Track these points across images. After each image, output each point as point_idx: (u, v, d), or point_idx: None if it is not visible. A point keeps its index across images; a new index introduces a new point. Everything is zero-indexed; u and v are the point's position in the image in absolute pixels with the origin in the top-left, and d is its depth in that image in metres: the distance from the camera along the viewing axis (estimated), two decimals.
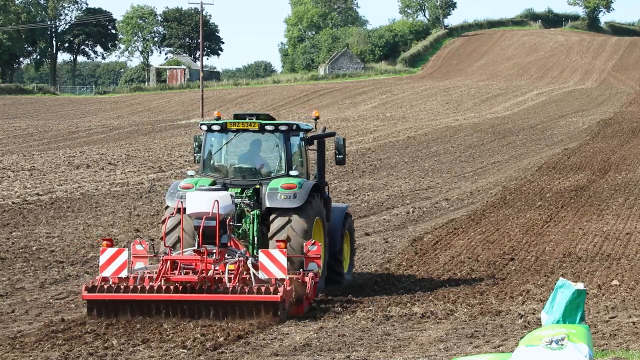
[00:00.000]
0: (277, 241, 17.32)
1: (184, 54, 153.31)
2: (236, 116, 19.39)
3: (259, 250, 17.31)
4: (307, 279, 17.32)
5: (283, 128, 18.88)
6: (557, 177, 39.55)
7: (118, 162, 45.25)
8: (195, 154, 19.76)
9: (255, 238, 18.33)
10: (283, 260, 16.72)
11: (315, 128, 20.35)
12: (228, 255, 17.16)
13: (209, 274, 16.69)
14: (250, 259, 17.08)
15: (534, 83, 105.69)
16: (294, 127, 19.09)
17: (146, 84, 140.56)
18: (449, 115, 74.93)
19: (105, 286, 16.55)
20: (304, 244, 17.89)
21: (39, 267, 21.79)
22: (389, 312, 17.23)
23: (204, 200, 17.22)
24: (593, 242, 25.18)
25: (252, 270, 16.84)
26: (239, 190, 18.63)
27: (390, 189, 37.31)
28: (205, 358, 14.18)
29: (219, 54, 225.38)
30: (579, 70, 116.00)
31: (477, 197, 34.98)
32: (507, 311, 17.29)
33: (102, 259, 17.16)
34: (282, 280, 16.61)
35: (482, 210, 31.45)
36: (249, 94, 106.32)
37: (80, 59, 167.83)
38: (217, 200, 17.11)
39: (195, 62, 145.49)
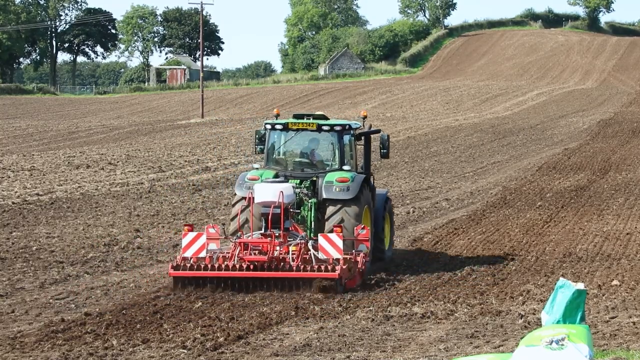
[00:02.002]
0: (335, 226, 19.82)
1: (184, 54, 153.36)
2: (295, 116, 21.84)
3: (319, 235, 19.74)
4: (358, 258, 19.74)
5: (337, 128, 21.40)
6: (557, 177, 39.54)
7: (118, 162, 45.23)
8: (255, 146, 22.24)
9: (312, 223, 20.81)
10: (340, 243, 19.29)
11: (363, 126, 22.85)
12: (289, 238, 19.80)
13: (274, 255, 19.24)
14: (310, 241, 19.76)
15: (534, 83, 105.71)
16: (347, 126, 21.58)
17: (146, 84, 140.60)
18: (449, 115, 74.93)
19: (188, 265, 19.13)
20: (355, 228, 20.24)
21: (39, 267, 21.77)
22: (389, 312, 17.22)
23: (271, 191, 19.86)
24: (593, 242, 25.17)
25: (312, 251, 19.48)
26: (298, 181, 21.15)
27: (390, 189, 37.31)
28: (205, 358, 14.18)
29: (219, 54, 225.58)
30: (579, 70, 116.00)
31: (477, 197, 34.96)
32: (507, 311, 17.27)
33: (184, 241, 19.76)
34: (339, 260, 19.12)
35: (482, 210, 31.44)
36: (249, 94, 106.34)
37: (80, 59, 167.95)
38: (282, 191, 19.79)
39: (195, 62, 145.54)
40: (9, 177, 39.30)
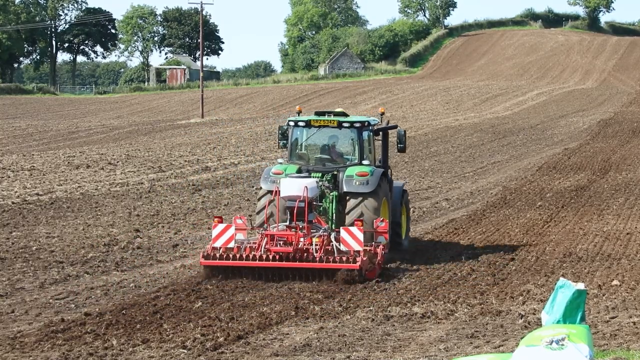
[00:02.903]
0: (356, 220, 20.85)
1: (184, 54, 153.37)
2: (317, 113, 23.08)
3: (341, 228, 20.70)
4: (378, 250, 20.65)
5: (357, 125, 22.49)
6: (558, 177, 39.53)
7: (118, 162, 45.22)
8: (279, 141, 23.31)
9: (334, 215, 21.88)
10: (360, 236, 20.27)
11: (381, 122, 24.01)
12: (313, 230, 20.79)
13: (299, 246, 20.24)
14: (333, 233, 20.69)
15: (534, 83, 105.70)
16: (366, 123, 22.67)
17: (146, 84, 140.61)
18: (449, 115, 74.92)
19: (217, 254, 20.19)
20: (374, 220, 21.33)
21: (39, 267, 21.75)
22: (389, 312, 17.22)
23: (296, 186, 20.95)
24: (593, 242, 25.14)
25: (334, 243, 20.47)
26: (320, 174, 22.17)
27: None
28: (205, 358, 14.18)
29: (219, 54, 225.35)
30: (579, 70, 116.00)
31: (477, 197, 34.95)
32: (507, 311, 17.26)
33: (214, 232, 20.75)
34: (359, 252, 20.01)
35: (482, 210, 31.43)
36: (249, 94, 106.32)
37: (80, 59, 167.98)
38: (306, 186, 20.89)
39: (195, 62, 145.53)
40: (9, 177, 39.28)
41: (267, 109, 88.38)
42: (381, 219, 21.50)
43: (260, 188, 22.25)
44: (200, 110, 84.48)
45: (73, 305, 18.03)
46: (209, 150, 51.07)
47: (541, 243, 25.17)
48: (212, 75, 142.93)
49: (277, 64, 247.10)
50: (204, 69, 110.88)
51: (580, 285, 8.85)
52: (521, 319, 16.44)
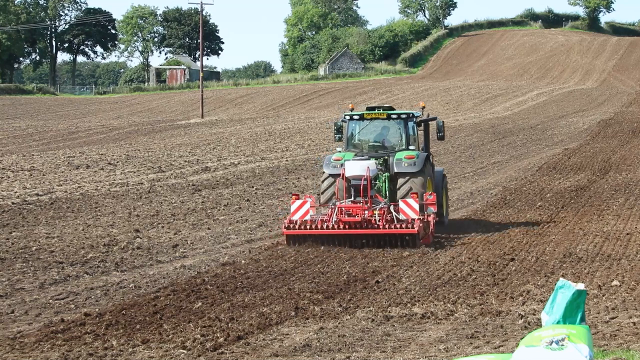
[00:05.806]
0: (412, 193, 24.86)
1: (184, 54, 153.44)
2: (368, 108, 27.06)
3: (400, 200, 24.72)
4: (430, 218, 24.61)
5: (403, 116, 26.65)
6: (558, 178, 39.52)
7: (118, 162, 45.22)
8: (335, 135, 27.36)
9: (387, 193, 25.67)
10: (416, 206, 24.31)
11: (422, 114, 27.69)
12: (374, 204, 24.54)
13: (364, 217, 23.89)
14: (391, 206, 24.63)
15: (534, 83, 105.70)
16: (410, 115, 26.73)
17: (146, 84, 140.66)
18: (449, 115, 74.91)
19: (296, 226, 23.92)
20: (424, 194, 25.14)
21: (39, 267, 21.74)
22: (389, 312, 17.20)
23: (359, 167, 24.78)
24: (593, 242, 25.11)
25: (393, 213, 24.40)
26: (373, 159, 25.60)
27: None
28: (205, 358, 14.17)
29: (218, 54, 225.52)
30: (580, 71, 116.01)
31: (477, 197, 34.94)
32: (507, 312, 17.24)
33: (292, 207, 24.64)
34: (414, 220, 23.79)
35: (482, 210, 31.42)
36: (249, 94, 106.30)
37: (80, 59, 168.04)
38: (368, 167, 24.74)
39: (195, 62, 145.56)
40: (9, 177, 39.28)
41: (267, 109, 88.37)
42: (430, 192, 25.33)
43: (324, 172, 25.95)
44: (200, 110, 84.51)
45: (73, 306, 18.01)
46: (209, 151, 51.07)
47: (541, 243, 25.15)
48: (212, 75, 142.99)
49: (277, 64, 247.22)
50: (204, 69, 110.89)
51: (580, 286, 8.85)
52: (521, 319, 16.42)
